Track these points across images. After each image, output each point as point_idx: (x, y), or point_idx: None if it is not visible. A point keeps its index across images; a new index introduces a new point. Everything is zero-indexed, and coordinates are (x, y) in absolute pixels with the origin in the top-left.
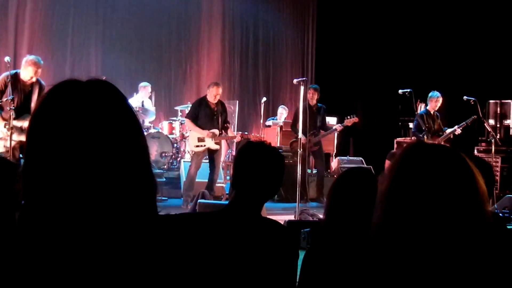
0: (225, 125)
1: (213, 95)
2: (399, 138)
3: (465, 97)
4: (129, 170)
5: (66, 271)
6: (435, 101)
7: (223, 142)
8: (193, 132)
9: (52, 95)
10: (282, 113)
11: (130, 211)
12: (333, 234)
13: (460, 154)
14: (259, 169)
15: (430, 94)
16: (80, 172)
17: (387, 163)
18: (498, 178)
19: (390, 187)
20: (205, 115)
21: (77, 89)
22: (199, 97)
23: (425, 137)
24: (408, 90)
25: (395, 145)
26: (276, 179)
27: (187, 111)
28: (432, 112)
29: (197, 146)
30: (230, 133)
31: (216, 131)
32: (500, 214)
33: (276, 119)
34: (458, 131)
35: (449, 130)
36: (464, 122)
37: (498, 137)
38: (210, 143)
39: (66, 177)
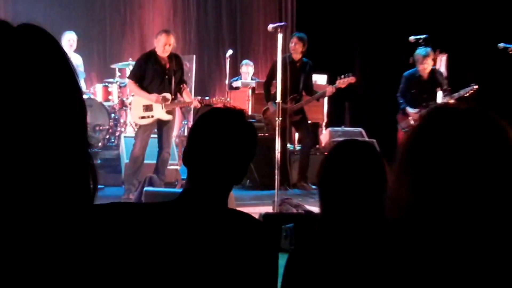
0: (180, 86)
1: (162, 45)
2: None
3: (501, 44)
4: (57, 141)
5: None
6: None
7: (177, 111)
8: (138, 98)
9: None
10: (248, 71)
11: (53, 196)
12: (327, 231)
13: (493, 118)
14: (221, 142)
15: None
16: None
17: None
18: None
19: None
20: (153, 74)
21: (6, 34)
22: (145, 52)
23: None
24: (423, 36)
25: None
26: (244, 157)
27: (128, 70)
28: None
29: (143, 117)
30: (186, 96)
31: (168, 95)
32: None
33: (240, 79)
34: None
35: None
36: (459, 92)
37: None
38: (160, 113)
39: None
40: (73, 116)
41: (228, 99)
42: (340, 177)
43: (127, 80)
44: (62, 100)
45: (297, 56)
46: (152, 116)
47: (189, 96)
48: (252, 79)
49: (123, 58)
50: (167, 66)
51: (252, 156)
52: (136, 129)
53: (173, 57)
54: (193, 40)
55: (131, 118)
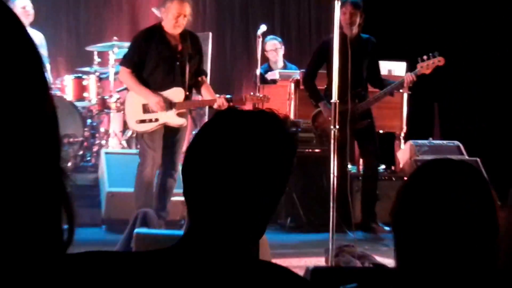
0: (198, 78)
1: (173, 17)
2: None
3: None
4: (18, 160)
5: None
6: None
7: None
8: (134, 95)
9: None
10: (277, 47)
11: (8, 245)
12: None
13: None
14: (238, 162)
15: None
16: None
17: None
18: None
19: None
20: (158, 58)
21: None
22: (144, 28)
23: None
24: None
25: None
26: (275, 181)
27: (112, 55)
28: None
29: (142, 120)
30: (206, 93)
31: (180, 92)
32: None
33: (267, 66)
34: None
35: None
36: None
37: None
38: (168, 115)
39: None
40: (41, 124)
41: (267, 96)
42: (426, 214)
43: (114, 69)
44: (27, 100)
45: (353, 31)
46: (157, 120)
47: (210, 93)
48: (289, 67)
49: (105, 37)
50: (179, 48)
51: (287, 178)
52: (141, 142)
53: (187, 35)
54: (210, 12)
55: (127, 123)
